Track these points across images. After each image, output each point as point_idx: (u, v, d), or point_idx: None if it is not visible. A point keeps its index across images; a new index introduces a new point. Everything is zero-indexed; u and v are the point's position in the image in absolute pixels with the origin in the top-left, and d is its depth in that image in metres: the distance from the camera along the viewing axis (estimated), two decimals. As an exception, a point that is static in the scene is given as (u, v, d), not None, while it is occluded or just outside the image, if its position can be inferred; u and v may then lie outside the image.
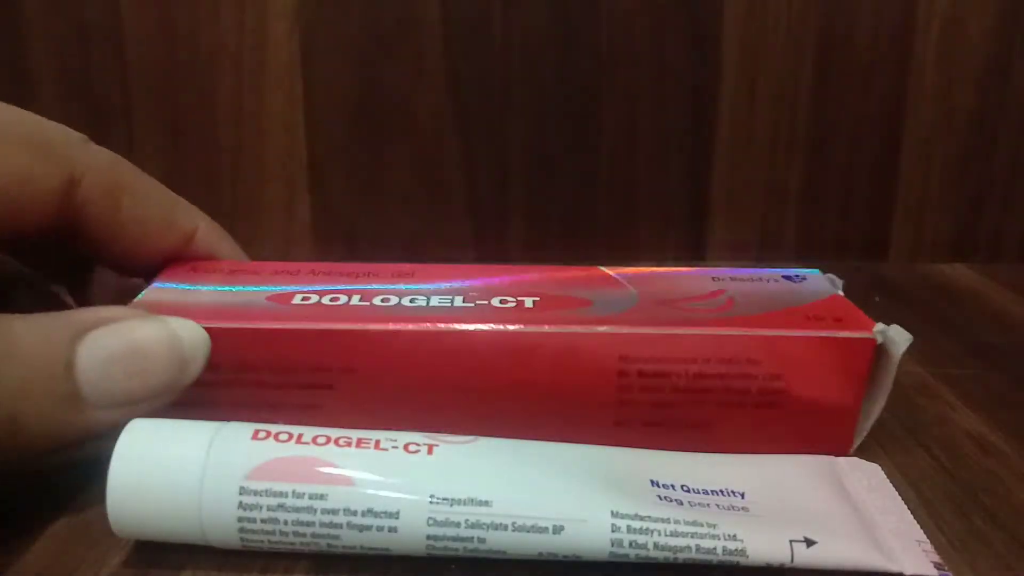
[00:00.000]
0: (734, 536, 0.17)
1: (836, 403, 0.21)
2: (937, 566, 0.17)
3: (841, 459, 0.21)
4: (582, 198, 0.41)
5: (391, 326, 0.21)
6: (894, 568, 0.17)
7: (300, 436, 0.18)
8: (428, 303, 0.22)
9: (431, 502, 0.17)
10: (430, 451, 0.18)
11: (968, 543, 0.19)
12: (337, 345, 0.21)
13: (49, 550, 0.18)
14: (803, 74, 0.39)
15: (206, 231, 0.24)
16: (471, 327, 0.21)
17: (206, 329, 0.19)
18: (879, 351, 0.21)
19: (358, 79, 0.39)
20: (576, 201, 0.41)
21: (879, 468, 0.21)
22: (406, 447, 0.18)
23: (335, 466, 0.17)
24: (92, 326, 0.18)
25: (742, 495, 0.19)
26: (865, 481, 0.20)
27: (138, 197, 0.23)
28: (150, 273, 0.24)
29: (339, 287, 0.23)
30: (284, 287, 0.22)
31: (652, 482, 0.18)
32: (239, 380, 0.21)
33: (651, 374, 0.21)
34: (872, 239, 0.41)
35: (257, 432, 0.18)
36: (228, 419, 0.18)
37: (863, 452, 0.22)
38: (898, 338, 0.21)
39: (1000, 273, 0.39)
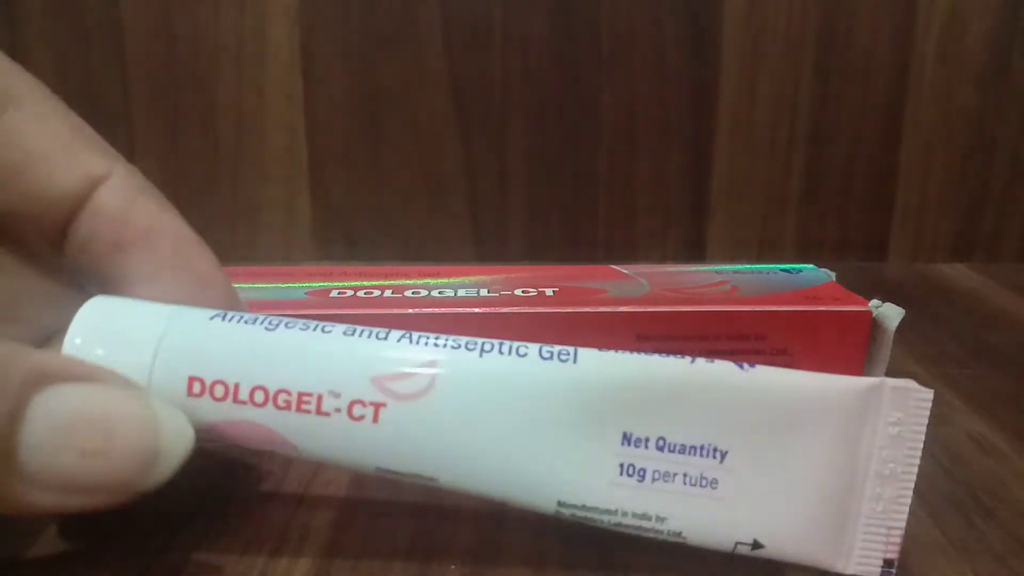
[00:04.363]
0: (679, 534, 0.17)
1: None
2: (886, 564, 0.17)
3: (889, 385, 0.17)
4: (582, 198, 0.41)
5: (426, 310, 0.22)
6: (837, 568, 0.17)
7: (237, 391, 0.16)
8: (456, 294, 0.23)
9: (377, 471, 0.17)
10: (375, 418, 0.16)
11: (968, 543, 0.19)
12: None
13: (48, 550, 0.18)
14: (803, 74, 0.39)
15: (122, 185, 0.17)
16: (501, 310, 0.22)
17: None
18: (875, 326, 0.22)
19: (358, 79, 0.39)
20: (576, 201, 0.41)
21: (929, 399, 0.17)
22: (350, 410, 0.16)
23: (280, 435, 0.17)
24: (57, 377, 0.14)
25: (723, 456, 0.17)
26: (894, 429, 0.17)
27: (27, 109, 0.16)
28: (26, 229, 0.17)
29: (372, 283, 0.24)
30: (320, 283, 0.24)
31: (624, 437, 0.17)
32: None
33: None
34: (872, 239, 0.41)
35: (192, 384, 0.16)
36: None
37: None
38: (891, 312, 0.22)
39: (1000, 273, 0.39)
